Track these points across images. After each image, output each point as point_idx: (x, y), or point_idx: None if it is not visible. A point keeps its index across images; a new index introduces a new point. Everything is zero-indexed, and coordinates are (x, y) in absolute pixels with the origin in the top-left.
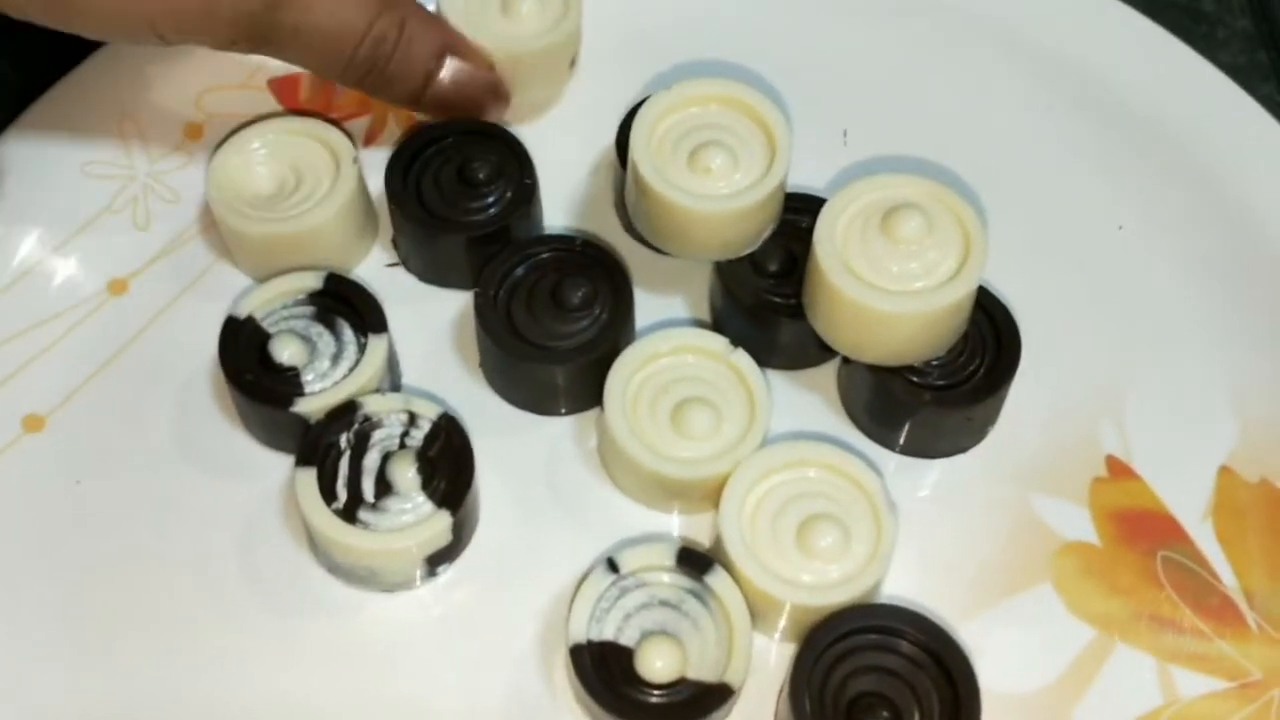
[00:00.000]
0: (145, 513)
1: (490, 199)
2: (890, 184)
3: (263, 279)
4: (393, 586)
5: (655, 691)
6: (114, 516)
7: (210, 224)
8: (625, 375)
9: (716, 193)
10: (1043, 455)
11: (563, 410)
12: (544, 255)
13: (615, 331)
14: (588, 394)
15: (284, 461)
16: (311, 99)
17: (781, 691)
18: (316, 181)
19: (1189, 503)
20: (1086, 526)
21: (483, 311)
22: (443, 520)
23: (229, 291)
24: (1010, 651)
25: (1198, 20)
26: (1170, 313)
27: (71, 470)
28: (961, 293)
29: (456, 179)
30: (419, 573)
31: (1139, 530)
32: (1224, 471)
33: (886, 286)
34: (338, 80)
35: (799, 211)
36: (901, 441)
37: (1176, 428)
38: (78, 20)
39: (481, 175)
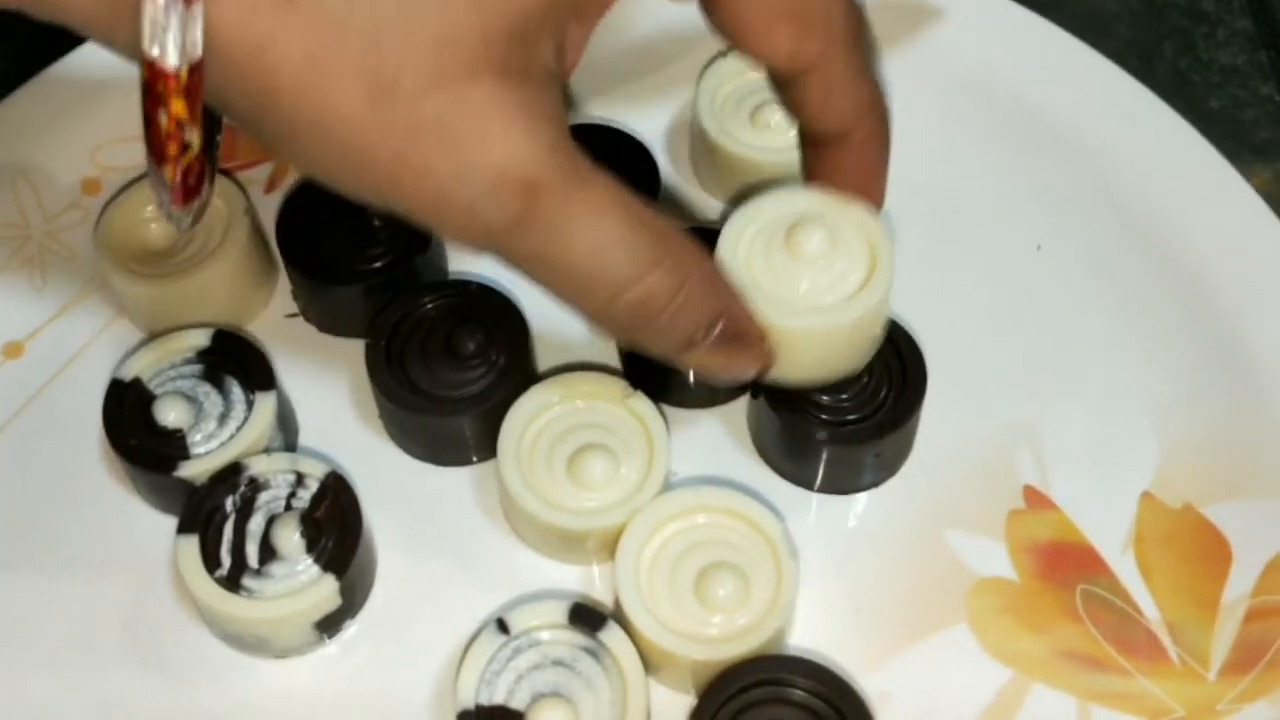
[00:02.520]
0: (31, 579)
1: (386, 246)
2: (791, 198)
3: (158, 332)
4: (285, 652)
5: None
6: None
7: (104, 283)
8: (520, 425)
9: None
10: (958, 488)
11: (465, 461)
12: (437, 302)
13: (512, 379)
14: (487, 444)
15: (173, 525)
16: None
17: None
18: (208, 235)
19: (1110, 533)
20: (1003, 561)
21: (373, 363)
22: (329, 585)
23: (125, 350)
24: (923, 697)
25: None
26: (1087, 335)
27: None
28: (871, 303)
29: (350, 228)
30: (310, 638)
31: (1058, 563)
32: (1146, 498)
33: (795, 304)
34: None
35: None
36: (814, 479)
37: (1096, 454)
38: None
39: (376, 222)
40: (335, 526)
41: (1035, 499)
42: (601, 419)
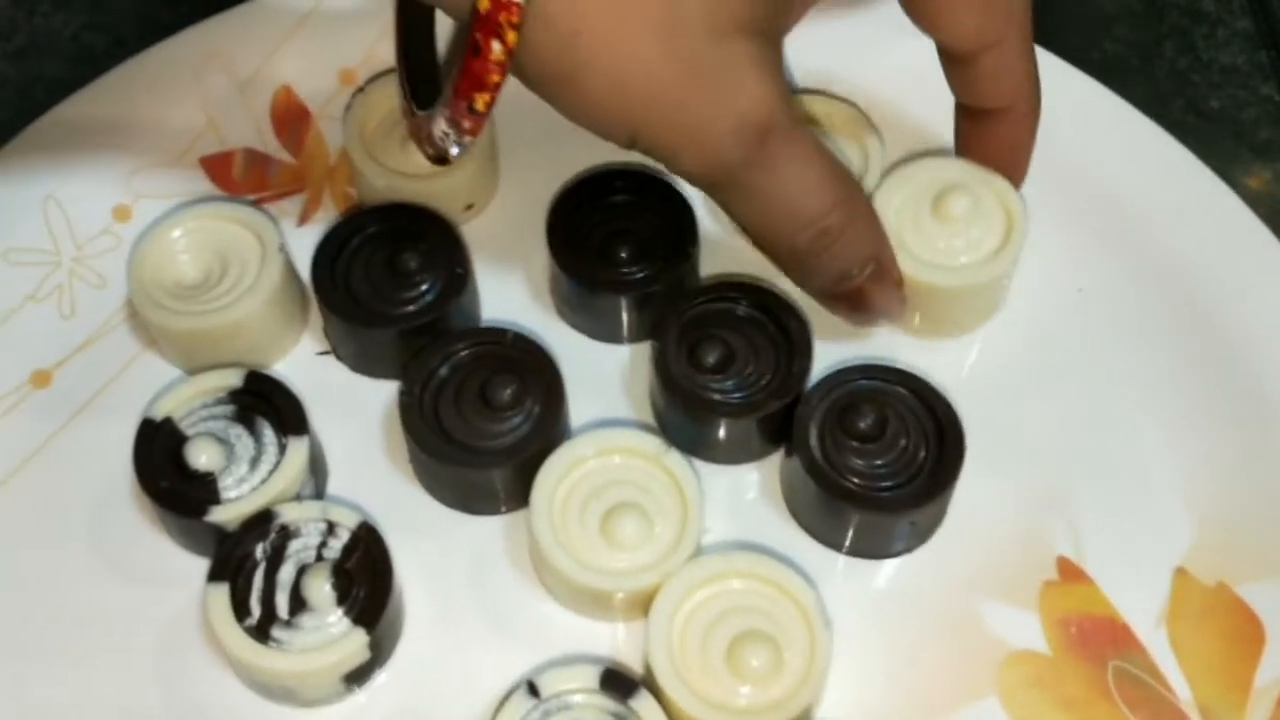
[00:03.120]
0: (59, 624)
1: (422, 289)
2: (940, 167)
3: (190, 369)
4: (313, 702)
5: None
6: (26, 629)
7: (132, 314)
8: (553, 480)
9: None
10: (990, 556)
11: (495, 510)
12: (472, 350)
13: (547, 431)
14: (520, 494)
15: (204, 567)
16: (244, 177)
17: None
18: (242, 270)
19: (1143, 607)
20: (1036, 633)
21: (407, 411)
22: (359, 638)
23: (155, 384)
24: None
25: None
26: (1124, 405)
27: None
28: (1004, 267)
29: (386, 268)
30: (338, 689)
31: (1090, 638)
32: (1180, 574)
33: (936, 261)
34: (763, 250)
35: (740, 300)
36: (845, 542)
37: (1131, 526)
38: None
39: (412, 264)
40: (366, 578)
41: (1069, 570)
42: (636, 476)
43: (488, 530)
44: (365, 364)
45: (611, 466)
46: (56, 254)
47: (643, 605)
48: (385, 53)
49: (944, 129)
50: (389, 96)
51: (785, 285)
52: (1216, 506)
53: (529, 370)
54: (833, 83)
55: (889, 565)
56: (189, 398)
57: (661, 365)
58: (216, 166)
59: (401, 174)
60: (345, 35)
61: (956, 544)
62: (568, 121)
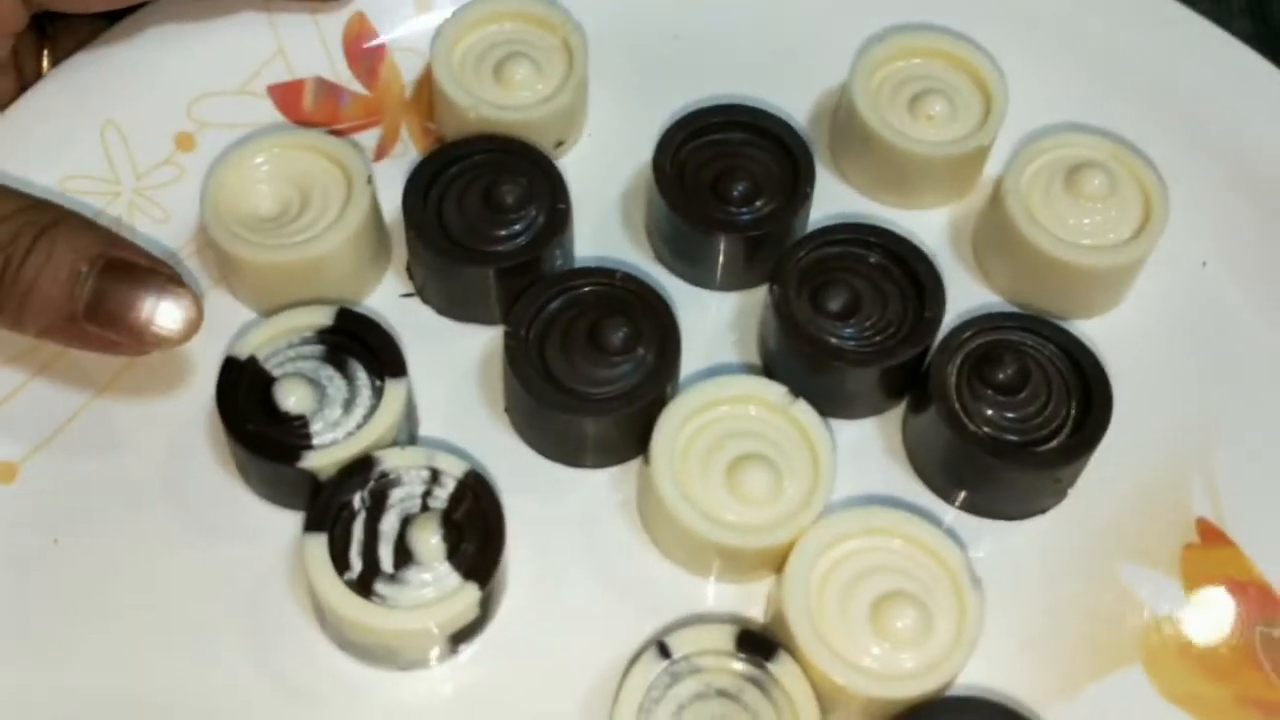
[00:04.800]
0: (132, 577)
1: (520, 226)
2: (1075, 141)
3: (265, 311)
4: (409, 665)
5: None
6: (97, 581)
7: (205, 247)
8: (674, 428)
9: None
10: (1129, 519)
11: (598, 463)
12: (581, 290)
13: (661, 378)
14: (627, 446)
15: (288, 520)
16: (316, 108)
17: None
18: (325, 203)
19: None
20: (1179, 598)
21: (514, 354)
22: (470, 594)
23: (225, 324)
24: None
25: None
26: (1259, 359)
27: (47, 527)
28: (1143, 251)
29: (482, 203)
30: (442, 651)
31: (1235, 605)
32: None
33: (1068, 239)
34: None
35: (865, 245)
36: (974, 501)
37: (1270, 486)
38: None
39: (510, 200)
40: (476, 530)
41: (1210, 533)
42: (761, 427)
43: (588, 484)
44: (455, 306)
45: (737, 415)
46: (116, 183)
47: (765, 566)
48: None
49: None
50: (478, 23)
51: (910, 228)
52: None
53: (641, 313)
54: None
55: (1025, 527)
56: (275, 336)
57: (783, 310)
58: (286, 95)
59: (495, 105)
60: None
61: (1094, 505)
62: (657, 59)
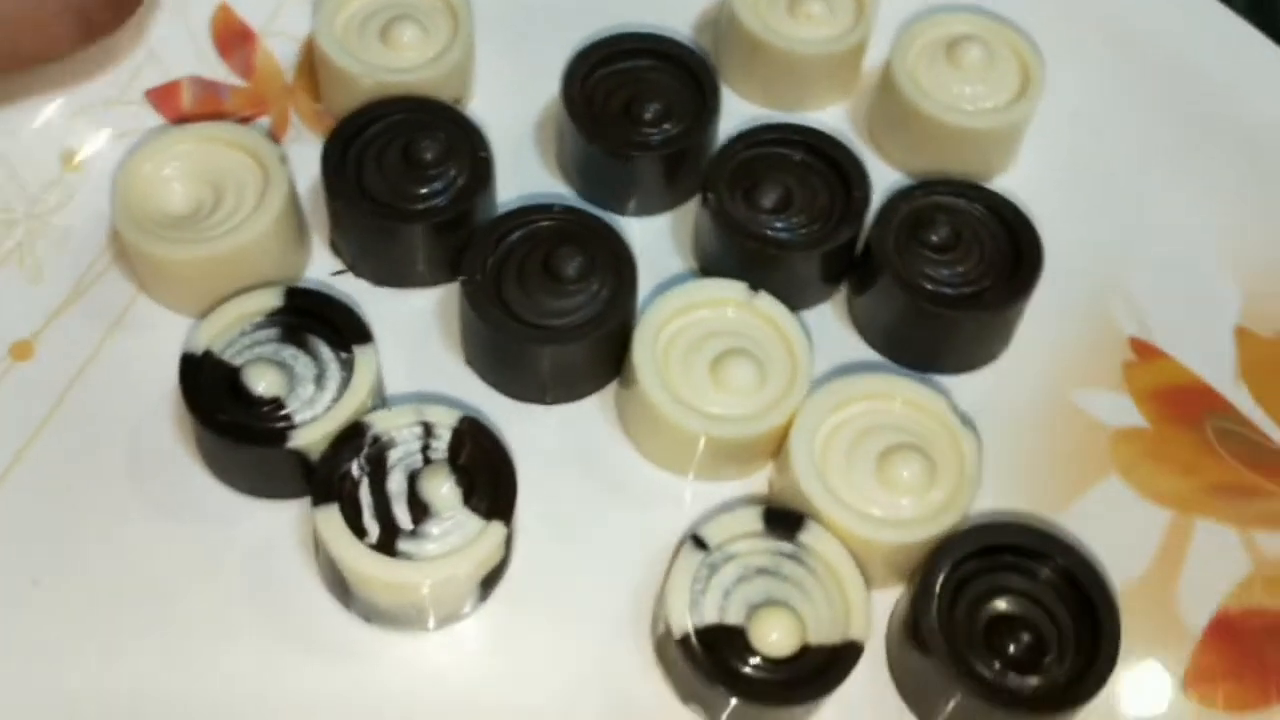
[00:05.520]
0: (131, 595)
1: (444, 181)
2: (949, 20)
3: (196, 312)
4: (442, 621)
5: (781, 666)
6: (89, 616)
7: (119, 257)
8: (650, 339)
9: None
10: (1069, 351)
11: (571, 395)
12: (524, 229)
13: (625, 297)
14: (598, 374)
15: (271, 509)
16: (196, 107)
17: (893, 627)
18: (241, 192)
19: (1218, 369)
20: (1132, 411)
21: (475, 299)
22: (496, 533)
23: (158, 330)
24: (1095, 550)
25: None
26: (1142, 186)
27: (23, 568)
28: (1028, 110)
29: (403, 164)
30: (473, 600)
31: (1182, 405)
32: (1240, 332)
33: (955, 106)
34: None
35: (785, 144)
36: (929, 360)
37: (1186, 301)
38: None
39: (430, 156)
40: (485, 470)
41: (1143, 349)
42: (730, 325)
43: (569, 417)
44: (391, 274)
45: (703, 319)
46: (10, 211)
47: (761, 455)
48: None
49: None
50: None
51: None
52: (1257, 267)
53: (588, 239)
54: None
55: (979, 377)
56: (227, 325)
57: (722, 213)
58: (164, 98)
59: (388, 69)
60: None
61: (1036, 346)
62: (534, 12)
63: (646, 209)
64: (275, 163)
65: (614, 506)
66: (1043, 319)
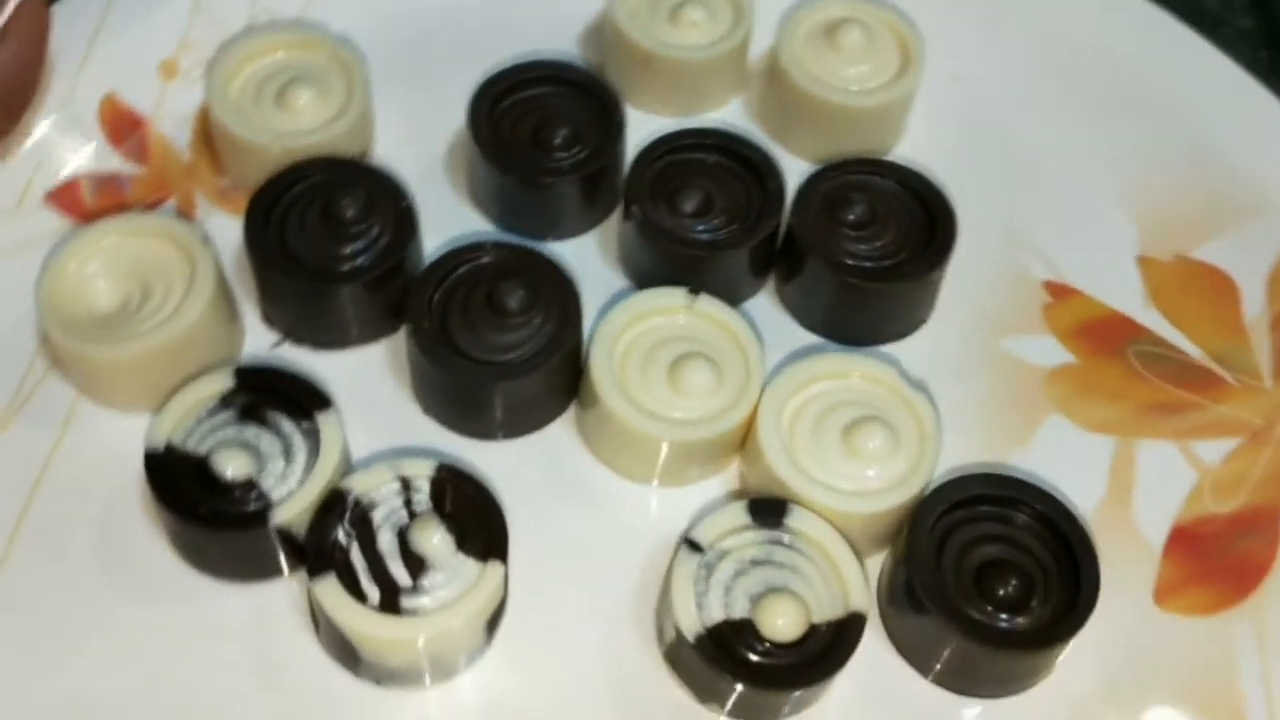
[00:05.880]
0: (134, 692)
1: (369, 237)
2: (827, 5)
3: (139, 408)
4: (451, 671)
5: (793, 649)
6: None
7: (53, 366)
8: (605, 357)
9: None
10: (989, 304)
11: (532, 427)
12: (461, 271)
13: (572, 321)
14: (562, 396)
15: (255, 591)
16: (99, 202)
17: (882, 591)
18: (169, 280)
19: (1129, 299)
20: (1059, 350)
21: (425, 346)
22: (495, 573)
23: (106, 429)
24: (1052, 486)
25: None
26: (1028, 136)
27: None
28: (908, 89)
29: (327, 225)
30: (480, 642)
31: (1102, 337)
32: (1143, 260)
33: (839, 87)
34: None
35: (695, 148)
36: (860, 333)
37: (1088, 238)
38: None
39: (353, 213)
40: (472, 513)
41: (1057, 290)
42: (676, 330)
43: (535, 445)
44: (331, 336)
45: (650, 329)
46: None
47: (729, 450)
48: (199, 33)
49: None
50: (247, 60)
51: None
52: (1147, 202)
53: (527, 270)
54: None
55: (913, 342)
56: (182, 416)
57: (649, 223)
58: (64, 199)
59: (292, 133)
60: (150, 25)
61: (959, 302)
62: (425, 50)
63: (568, 232)
64: (199, 246)
65: (597, 525)
66: (961, 278)
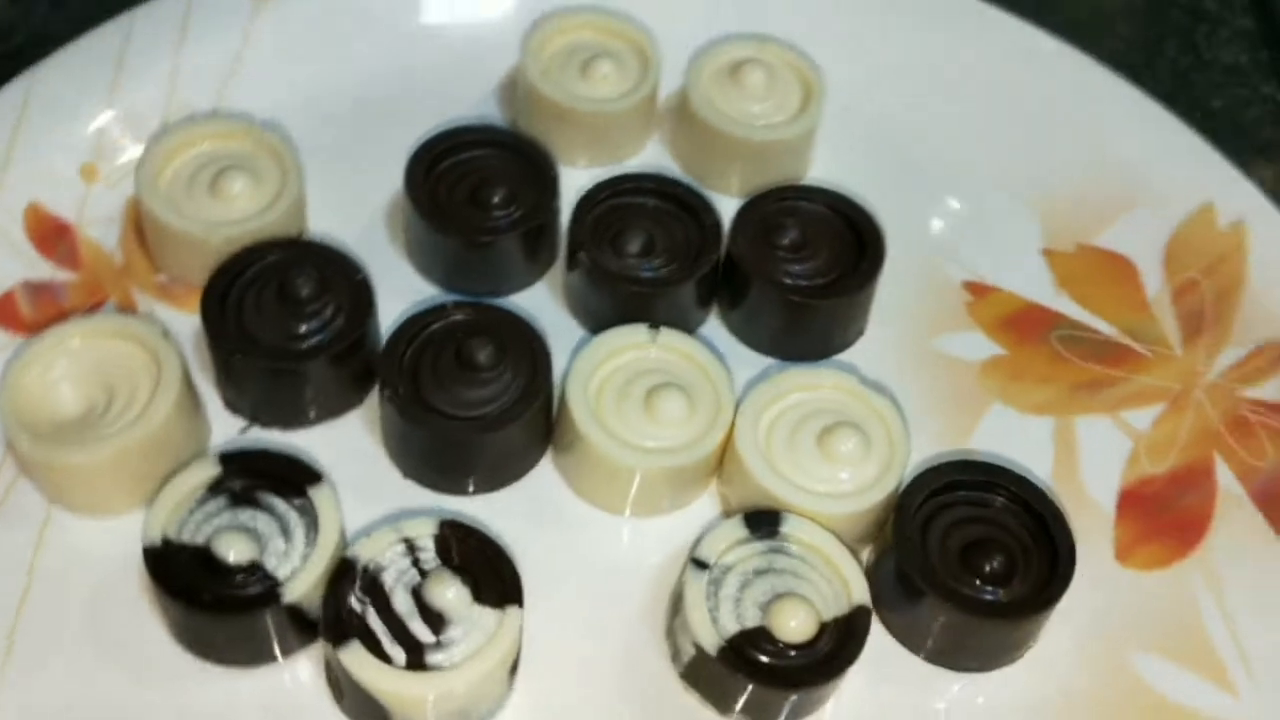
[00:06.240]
0: None
1: (327, 315)
2: (729, 48)
3: (114, 509)
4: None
5: (809, 649)
6: None
7: (18, 478)
8: (581, 398)
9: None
10: (914, 307)
11: (516, 476)
12: (428, 332)
13: (543, 369)
14: (540, 442)
15: (264, 674)
16: (36, 311)
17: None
18: (134, 379)
19: (1041, 289)
20: (988, 344)
21: (404, 411)
22: (514, 618)
23: (83, 533)
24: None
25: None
26: (925, 149)
27: None
28: (809, 125)
29: (285, 306)
30: (505, 688)
31: (1024, 327)
32: (1048, 253)
33: (746, 123)
34: None
35: (638, 193)
36: (805, 349)
37: (997, 238)
38: None
39: (307, 291)
40: (480, 563)
41: (976, 289)
42: (645, 364)
43: (520, 494)
44: (298, 415)
45: (618, 366)
46: None
47: (709, 473)
48: (116, 134)
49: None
50: (174, 151)
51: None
52: (1045, 200)
53: (493, 326)
54: None
55: (853, 354)
56: (174, 508)
57: (597, 270)
58: (1, 312)
59: (230, 223)
60: (67, 131)
61: (886, 314)
62: (352, 135)
63: (513, 287)
64: (161, 341)
65: (593, 561)
66: (888, 288)
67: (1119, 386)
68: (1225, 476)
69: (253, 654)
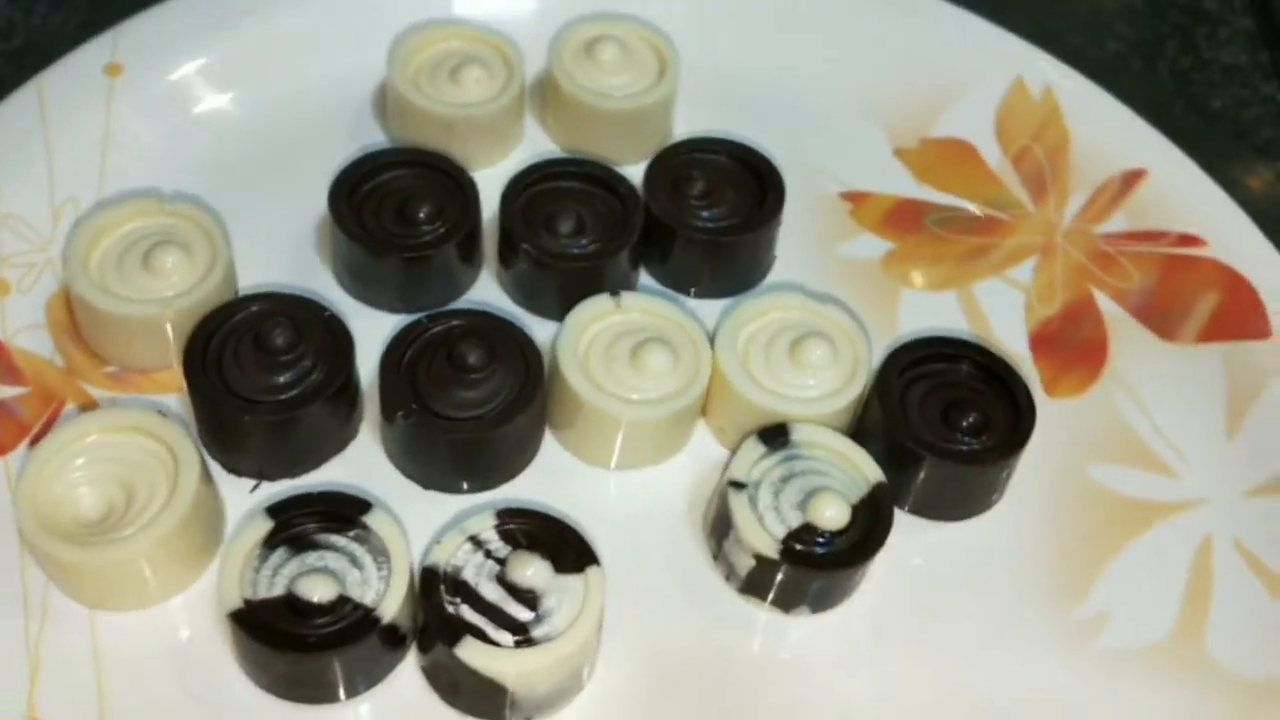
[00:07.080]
0: None
1: (311, 358)
2: (587, 28)
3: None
4: (581, 683)
5: (849, 531)
6: None
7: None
8: (571, 362)
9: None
10: (812, 223)
11: (526, 463)
12: (414, 345)
13: (536, 362)
14: (534, 437)
15: (362, 703)
16: (1, 430)
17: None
18: (151, 477)
19: (905, 184)
20: (879, 245)
21: (425, 427)
22: (596, 577)
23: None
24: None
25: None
26: (798, 82)
27: None
28: (667, 92)
29: (264, 357)
30: (599, 642)
31: (902, 220)
32: (899, 152)
33: (606, 94)
34: None
35: (561, 177)
36: (739, 282)
37: (856, 151)
38: None
39: (283, 341)
40: (547, 537)
41: (854, 197)
42: (621, 327)
43: (538, 471)
44: (302, 459)
45: (596, 333)
46: None
47: (697, 414)
48: (11, 246)
49: None
50: (102, 234)
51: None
52: (885, 107)
53: (477, 329)
54: None
55: (772, 280)
56: (239, 571)
57: (545, 255)
58: None
59: (178, 296)
60: None
61: (793, 236)
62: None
63: (450, 296)
64: (177, 431)
65: (625, 516)
66: (786, 212)
67: (996, 251)
68: (1106, 303)
69: (356, 683)
